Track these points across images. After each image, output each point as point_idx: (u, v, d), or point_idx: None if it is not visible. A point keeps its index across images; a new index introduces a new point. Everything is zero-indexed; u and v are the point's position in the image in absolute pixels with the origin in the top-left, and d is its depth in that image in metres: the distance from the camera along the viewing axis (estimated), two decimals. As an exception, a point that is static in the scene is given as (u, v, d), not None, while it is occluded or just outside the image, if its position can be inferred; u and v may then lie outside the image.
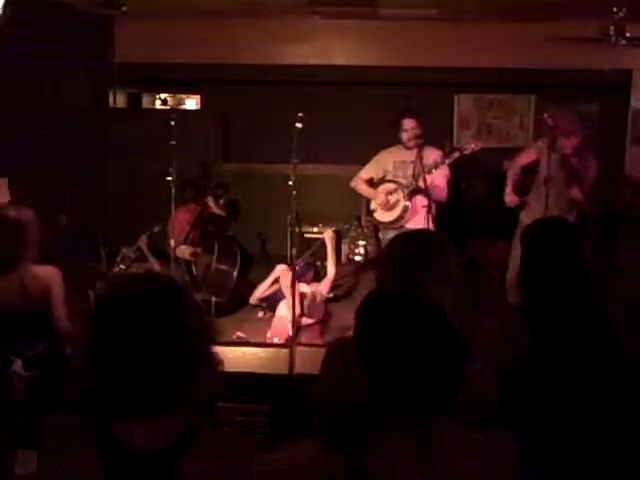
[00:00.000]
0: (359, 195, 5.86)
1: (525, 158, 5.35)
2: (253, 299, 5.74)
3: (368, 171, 5.60)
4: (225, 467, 1.36)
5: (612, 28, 5.30)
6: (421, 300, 1.50)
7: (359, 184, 5.62)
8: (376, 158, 5.58)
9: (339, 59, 7.12)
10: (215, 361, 1.39)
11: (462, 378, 1.41)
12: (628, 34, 5.35)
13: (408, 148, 5.30)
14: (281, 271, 5.50)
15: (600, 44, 5.55)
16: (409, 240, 2.18)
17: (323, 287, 5.39)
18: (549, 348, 2.09)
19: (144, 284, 1.36)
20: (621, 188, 6.86)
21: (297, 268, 5.29)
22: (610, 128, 7.18)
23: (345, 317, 5.71)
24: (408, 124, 5.25)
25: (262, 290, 5.69)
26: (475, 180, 7.01)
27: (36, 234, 3.47)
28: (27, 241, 3.42)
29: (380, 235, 5.76)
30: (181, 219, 5.90)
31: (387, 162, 5.49)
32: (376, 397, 1.43)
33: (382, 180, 5.52)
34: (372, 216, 5.60)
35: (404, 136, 5.29)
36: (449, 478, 1.35)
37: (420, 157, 5.14)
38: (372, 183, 5.61)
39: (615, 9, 5.15)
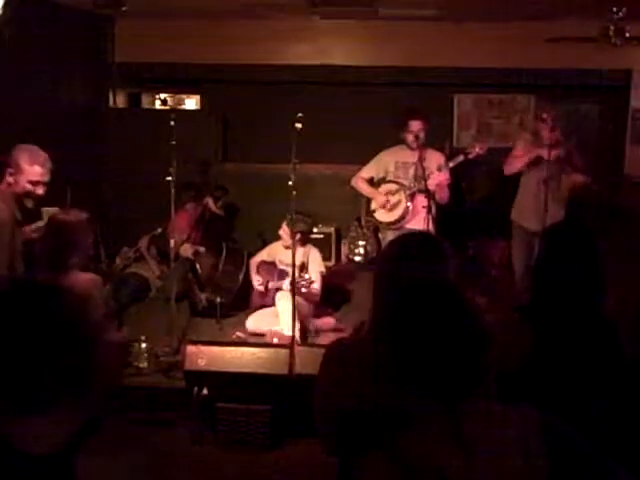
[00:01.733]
0: (359, 195, 5.86)
1: (518, 151, 5.40)
2: (253, 265, 5.74)
3: (369, 170, 5.59)
4: (125, 462, 1.36)
5: (612, 28, 5.29)
6: (450, 287, 1.54)
7: (359, 183, 5.62)
8: (377, 158, 5.57)
9: (339, 59, 7.12)
10: (107, 361, 1.43)
11: (489, 361, 1.45)
12: (628, 34, 5.35)
13: (412, 149, 5.29)
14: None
15: (600, 44, 5.54)
16: (407, 242, 2.19)
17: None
18: (550, 349, 2.09)
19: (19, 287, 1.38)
20: (621, 188, 6.87)
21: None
22: (610, 128, 7.19)
23: (345, 319, 5.73)
24: (415, 125, 5.25)
25: (260, 258, 5.72)
26: (475, 180, 7.01)
27: (87, 239, 3.49)
28: (77, 247, 3.45)
29: (380, 235, 5.76)
30: (181, 220, 5.91)
31: (389, 162, 5.48)
32: (407, 383, 1.45)
33: (383, 180, 5.52)
34: (372, 216, 5.60)
35: (409, 137, 5.28)
36: (484, 453, 1.39)
37: (422, 159, 5.14)
38: (372, 182, 5.60)
39: (615, 9, 5.15)
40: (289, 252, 4.84)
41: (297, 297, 5.25)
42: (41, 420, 1.28)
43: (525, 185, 5.37)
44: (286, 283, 5.25)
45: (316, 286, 5.28)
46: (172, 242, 5.32)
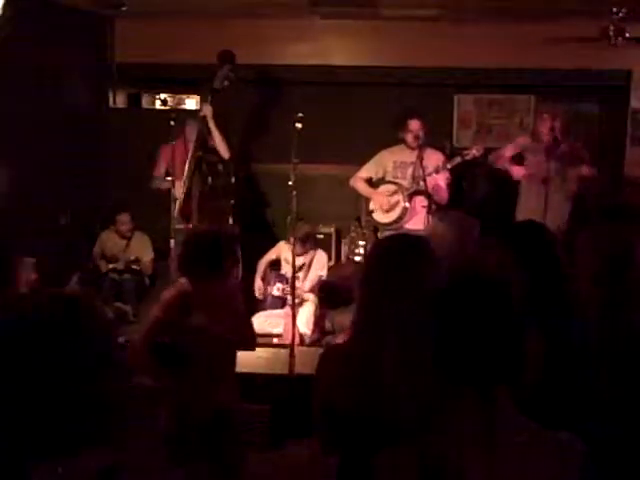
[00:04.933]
0: (359, 195, 5.86)
1: (509, 150, 5.42)
2: (261, 266, 5.67)
3: (368, 170, 5.60)
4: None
5: (612, 28, 5.31)
6: (495, 280, 1.53)
7: (358, 183, 5.63)
8: (376, 157, 5.58)
9: (339, 59, 7.11)
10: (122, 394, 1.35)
11: (525, 355, 1.44)
12: (628, 34, 5.36)
13: (411, 149, 5.31)
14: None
15: (600, 44, 5.55)
16: (391, 246, 2.19)
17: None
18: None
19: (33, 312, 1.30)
20: (621, 188, 6.86)
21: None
22: (610, 128, 7.18)
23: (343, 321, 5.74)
24: (413, 125, 5.27)
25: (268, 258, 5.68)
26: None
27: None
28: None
29: (379, 235, 5.77)
30: (169, 152, 5.41)
31: (387, 162, 5.49)
32: (443, 374, 1.44)
33: (382, 180, 5.53)
34: (371, 216, 5.60)
35: (408, 137, 5.30)
36: (510, 467, 1.36)
37: (421, 158, 5.16)
38: (371, 182, 5.61)
39: (615, 9, 5.16)
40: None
41: (315, 298, 5.31)
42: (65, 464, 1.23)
43: (527, 186, 5.37)
44: (275, 288, 5.45)
45: (307, 288, 5.37)
46: (173, 242, 5.31)
